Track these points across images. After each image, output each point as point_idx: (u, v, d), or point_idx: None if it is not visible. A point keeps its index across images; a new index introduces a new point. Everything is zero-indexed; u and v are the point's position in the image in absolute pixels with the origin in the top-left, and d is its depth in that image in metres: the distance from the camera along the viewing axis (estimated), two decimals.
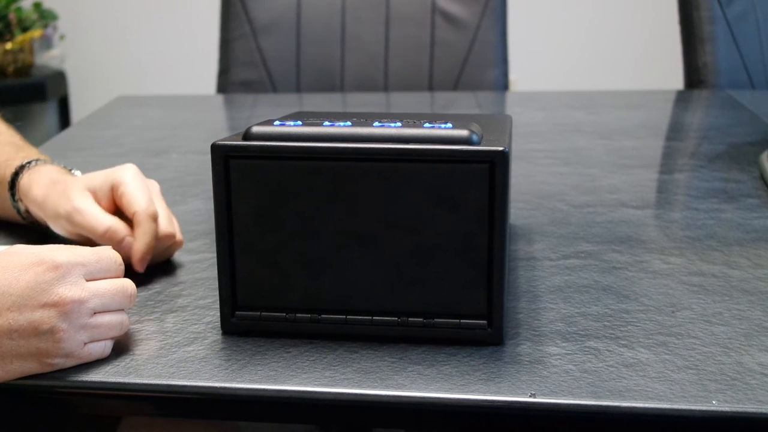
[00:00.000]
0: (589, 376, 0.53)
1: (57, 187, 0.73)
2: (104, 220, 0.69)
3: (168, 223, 0.71)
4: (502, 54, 1.62)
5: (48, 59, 3.00)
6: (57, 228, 0.73)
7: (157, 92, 2.78)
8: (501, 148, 0.54)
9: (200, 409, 0.56)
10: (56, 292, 0.52)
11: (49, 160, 0.80)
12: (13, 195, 0.78)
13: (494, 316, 0.56)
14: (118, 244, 0.68)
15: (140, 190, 0.70)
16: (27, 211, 0.78)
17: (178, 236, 0.72)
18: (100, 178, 0.72)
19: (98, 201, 0.71)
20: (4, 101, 2.77)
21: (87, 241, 0.70)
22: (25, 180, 0.77)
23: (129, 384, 0.54)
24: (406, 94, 1.56)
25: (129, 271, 0.71)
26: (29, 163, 0.78)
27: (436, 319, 0.57)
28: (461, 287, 0.56)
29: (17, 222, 0.80)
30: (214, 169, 0.56)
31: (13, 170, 0.78)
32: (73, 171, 0.79)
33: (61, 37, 2.95)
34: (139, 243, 0.68)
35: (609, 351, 0.56)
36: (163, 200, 0.74)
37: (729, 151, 1.09)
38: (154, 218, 0.69)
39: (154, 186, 0.74)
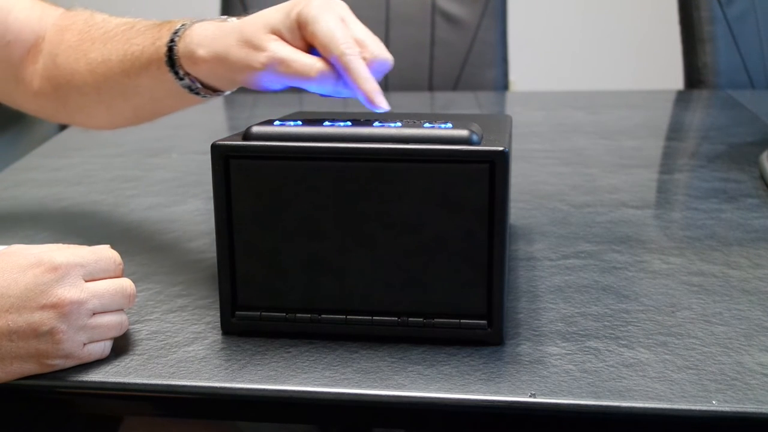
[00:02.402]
0: (589, 376, 0.53)
1: (230, 37, 0.63)
2: (315, 64, 0.60)
3: (377, 48, 0.61)
4: (502, 54, 1.62)
5: None
6: (247, 80, 0.64)
7: None
8: (501, 148, 0.54)
9: (200, 409, 0.56)
10: (55, 294, 0.52)
11: (192, 20, 0.69)
12: (177, 72, 0.68)
13: (494, 316, 0.56)
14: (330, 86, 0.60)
15: (335, 26, 0.60)
16: (197, 82, 0.68)
17: (388, 57, 0.62)
18: (279, 14, 0.62)
19: (287, 42, 0.62)
20: None
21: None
22: (182, 49, 0.67)
23: (129, 384, 0.54)
24: (406, 94, 1.56)
25: (129, 271, 0.71)
26: (176, 32, 0.68)
27: (436, 319, 0.57)
28: (461, 287, 0.56)
29: (181, 108, 0.72)
30: (214, 169, 0.56)
31: (165, 47, 0.68)
32: (227, 18, 0.68)
33: None
34: (363, 87, 0.59)
35: (609, 351, 0.56)
36: (357, 20, 0.63)
37: (729, 151, 1.09)
38: (361, 55, 0.60)
39: (340, 7, 0.63)
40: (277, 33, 0.62)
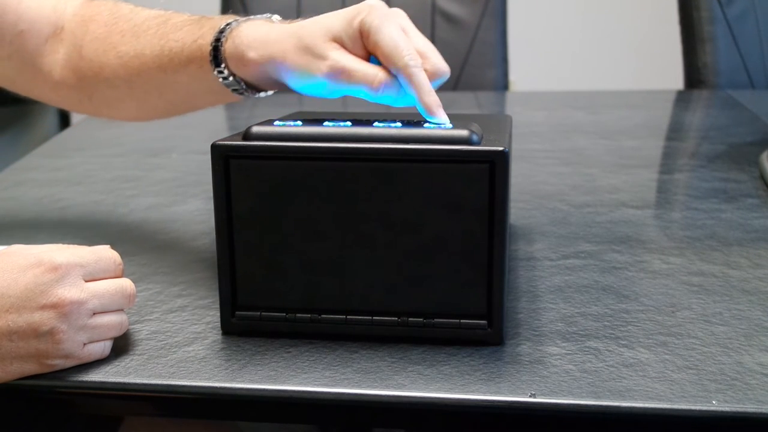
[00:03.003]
0: (589, 376, 0.53)
1: (289, 42, 0.62)
2: (378, 74, 0.60)
3: (438, 60, 0.63)
4: (502, 54, 1.62)
5: None
6: (304, 87, 0.63)
7: None
8: (501, 148, 0.54)
9: (200, 409, 0.56)
10: (55, 294, 0.52)
11: (237, 18, 0.68)
12: (221, 72, 0.67)
13: (494, 316, 0.56)
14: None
15: (398, 36, 0.60)
16: (244, 84, 0.68)
17: (447, 69, 0.63)
18: (340, 22, 0.61)
19: (347, 51, 0.61)
20: (4, 101, 2.76)
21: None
22: (230, 49, 0.65)
23: (129, 384, 0.54)
24: None
25: (128, 271, 0.71)
26: (222, 31, 0.66)
27: (436, 319, 0.57)
28: (461, 287, 0.56)
29: (219, 104, 0.71)
30: (214, 169, 0.56)
31: (210, 46, 0.66)
32: (271, 17, 0.69)
33: None
34: (424, 100, 0.60)
35: (609, 351, 0.56)
36: (418, 31, 0.63)
37: (729, 151, 1.09)
38: (422, 67, 0.60)
39: (401, 17, 0.63)
40: (338, 41, 0.61)
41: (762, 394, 0.50)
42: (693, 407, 0.49)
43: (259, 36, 0.64)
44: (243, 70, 0.66)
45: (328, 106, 1.44)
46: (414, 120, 0.59)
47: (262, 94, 0.71)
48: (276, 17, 0.68)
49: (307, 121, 0.58)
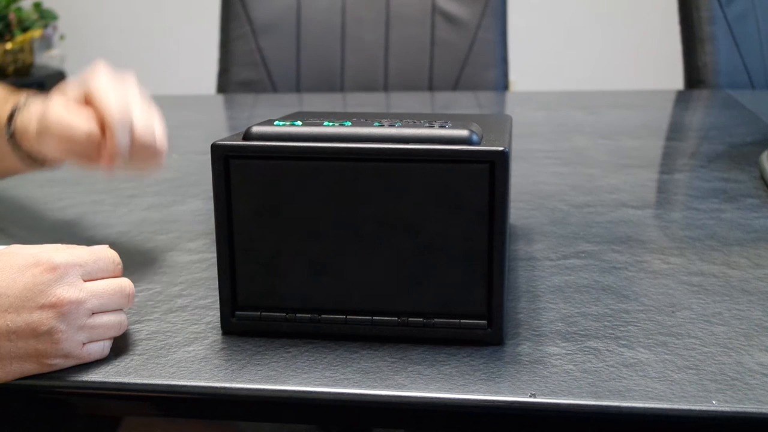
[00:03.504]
0: (589, 376, 0.53)
1: (43, 109, 0.69)
2: (82, 126, 0.65)
3: (145, 132, 0.66)
4: (502, 54, 1.62)
5: (48, 59, 3.00)
6: (49, 149, 0.69)
7: (157, 92, 2.78)
8: (501, 148, 0.54)
9: (200, 409, 0.56)
10: (54, 293, 0.52)
11: (38, 96, 0.75)
12: (16, 146, 0.73)
13: (494, 316, 0.56)
14: (99, 150, 0.65)
15: (111, 95, 0.65)
16: (35, 157, 0.73)
17: (159, 144, 0.67)
18: (75, 86, 0.68)
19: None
20: None
21: (82, 158, 0.68)
22: (20, 125, 0.72)
23: (129, 384, 0.54)
24: (406, 94, 1.56)
25: (128, 271, 0.71)
26: (16, 108, 0.73)
27: (436, 319, 0.57)
28: (461, 287, 0.56)
29: (28, 172, 0.77)
30: (214, 169, 0.56)
31: (5, 120, 0.73)
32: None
33: (62, 37, 2.95)
34: (110, 156, 0.65)
35: (609, 351, 0.56)
36: (145, 101, 0.68)
37: (729, 151, 1.09)
38: (127, 125, 0.65)
39: (129, 83, 0.68)
40: (65, 103, 0.67)
41: (762, 394, 0.50)
42: (693, 407, 0.49)
43: (37, 111, 0.70)
44: (28, 144, 0.72)
45: (328, 107, 1.44)
46: (414, 120, 0.59)
47: (49, 167, 0.75)
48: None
49: (307, 121, 0.58)
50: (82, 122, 0.65)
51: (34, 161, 0.73)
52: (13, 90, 0.78)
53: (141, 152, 0.66)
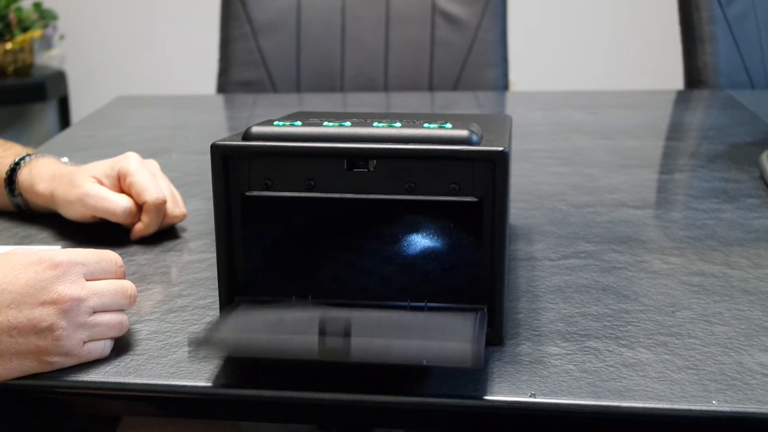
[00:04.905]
0: (589, 376, 0.53)
1: (63, 179, 0.78)
2: (121, 201, 0.76)
3: (173, 204, 0.79)
4: (502, 54, 1.62)
5: (48, 59, 3.00)
6: (69, 212, 0.78)
7: (157, 92, 2.78)
8: (501, 148, 0.54)
9: (200, 409, 0.56)
10: (55, 290, 0.52)
11: (36, 153, 0.85)
12: (12, 191, 0.83)
13: (494, 317, 0.56)
14: (133, 222, 0.77)
15: (148, 179, 0.76)
16: (27, 204, 0.83)
17: (182, 211, 0.80)
18: (104, 168, 0.78)
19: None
20: (4, 101, 2.76)
21: (98, 222, 0.78)
22: (24, 176, 0.81)
23: (129, 384, 0.54)
24: (406, 94, 1.56)
25: (128, 272, 0.71)
26: (23, 159, 0.83)
27: None
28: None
29: (9, 211, 0.85)
30: (214, 169, 0.56)
31: (8, 167, 0.82)
32: (61, 159, 0.84)
33: (61, 37, 2.95)
34: (146, 228, 0.77)
35: (609, 351, 0.56)
36: (166, 179, 0.81)
37: (729, 151, 1.09)
38: (163, 205, 0.77)
39: (154, 167, 0.80)
40: (98, 180, 0.77)
41: (762, 394, 0.50)
42: (693, 407, 0.49)
43: (47, 173, 0.80)
44: (30, 195, 0.82)
45: (328, 107, 1.44)
46: (414, 120, 0.59)
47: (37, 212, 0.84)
48: (65, 159, 0.84)
49: (307, 122, 0.58)
50: (121, 200, 0.76)
51: (25, 210, 0.84)
52: (6, 142, 0.88)
53: (166, 224, 0.80)
